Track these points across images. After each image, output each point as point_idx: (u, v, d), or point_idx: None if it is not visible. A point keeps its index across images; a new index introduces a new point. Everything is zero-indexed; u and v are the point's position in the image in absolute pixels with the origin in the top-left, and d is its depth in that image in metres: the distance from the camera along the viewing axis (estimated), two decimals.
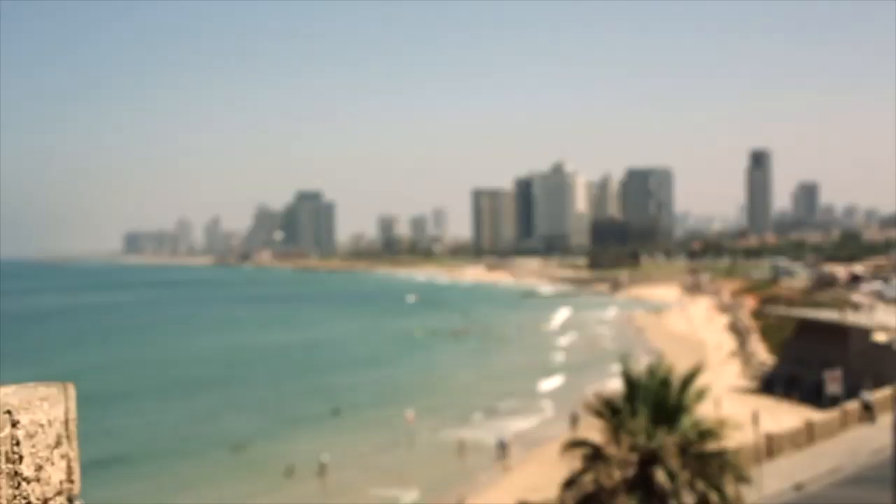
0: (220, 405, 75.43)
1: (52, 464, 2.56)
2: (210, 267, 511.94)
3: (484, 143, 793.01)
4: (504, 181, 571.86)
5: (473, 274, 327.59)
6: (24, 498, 2.47)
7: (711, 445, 24.74)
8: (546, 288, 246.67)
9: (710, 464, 24.25)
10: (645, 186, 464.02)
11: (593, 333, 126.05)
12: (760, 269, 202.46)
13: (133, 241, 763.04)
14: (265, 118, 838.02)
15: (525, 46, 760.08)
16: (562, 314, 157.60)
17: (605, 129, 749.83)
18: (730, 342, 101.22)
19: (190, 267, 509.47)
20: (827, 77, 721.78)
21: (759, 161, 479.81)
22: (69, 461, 2.63)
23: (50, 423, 2.56)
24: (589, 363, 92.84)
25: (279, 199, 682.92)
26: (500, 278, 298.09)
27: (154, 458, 56.54)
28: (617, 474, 23.99)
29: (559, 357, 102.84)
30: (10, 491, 2.44)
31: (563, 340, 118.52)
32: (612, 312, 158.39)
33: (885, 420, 44.73)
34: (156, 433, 64.39)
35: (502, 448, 55.43)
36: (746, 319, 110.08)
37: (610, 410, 25.23)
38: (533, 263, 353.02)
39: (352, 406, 71.99)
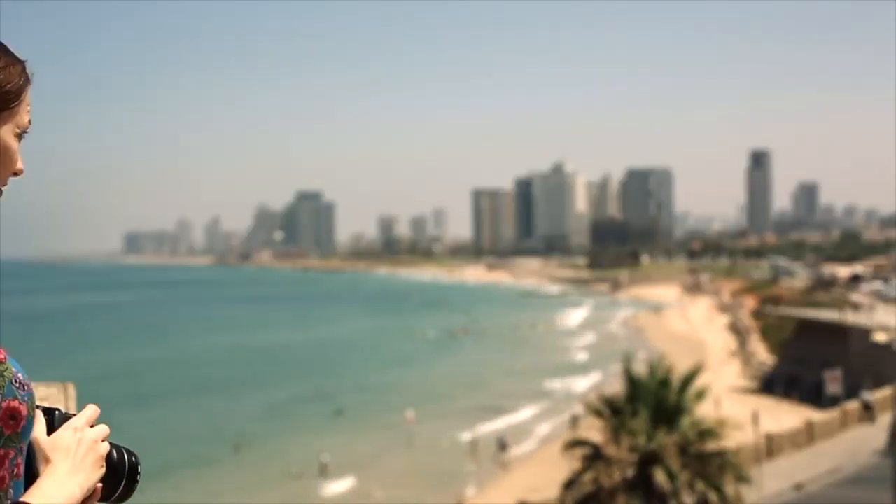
0: (221, 405, 75.34)
1: None
2: (210, 267, 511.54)
3: (484, 143, 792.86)
4: (504, 181, 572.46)
5: (474, 274, 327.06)
6: None
7: (711, 445, 24.79)
8: (551, 288, 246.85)
9: (710, 464, 24.29)
10: (645, 186, 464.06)
11: (610, 332, 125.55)
12: (760, 269, 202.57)
13: (133, 241, 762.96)
14: (265, 118, 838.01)
15: (525, 46, 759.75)
16: (579, 313, 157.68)
17: (605, 129, 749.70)
18: (730, 342, 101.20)
19: (190, 267, 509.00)
20: (827, 77, 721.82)
21: (759, 161, 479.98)
22: None
23: None
24: (612, 363, 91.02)
25: (279, 199, 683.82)
26: (501, 278, 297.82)
27: (154, 457, 56.51)
28: (617, 474, 24.02)
29: (582, 356, 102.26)
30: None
31: (584, 340, 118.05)
32: (624, 313, 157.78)
33: (885, 420, 44.85)
34: (156, 433, 64.30)
35: (502, 448, 55.34)
36: (746, 319, 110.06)
37: (610, 410, 25.27)
38: (533, 263, 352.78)
39: (354, 406, 71.88)
